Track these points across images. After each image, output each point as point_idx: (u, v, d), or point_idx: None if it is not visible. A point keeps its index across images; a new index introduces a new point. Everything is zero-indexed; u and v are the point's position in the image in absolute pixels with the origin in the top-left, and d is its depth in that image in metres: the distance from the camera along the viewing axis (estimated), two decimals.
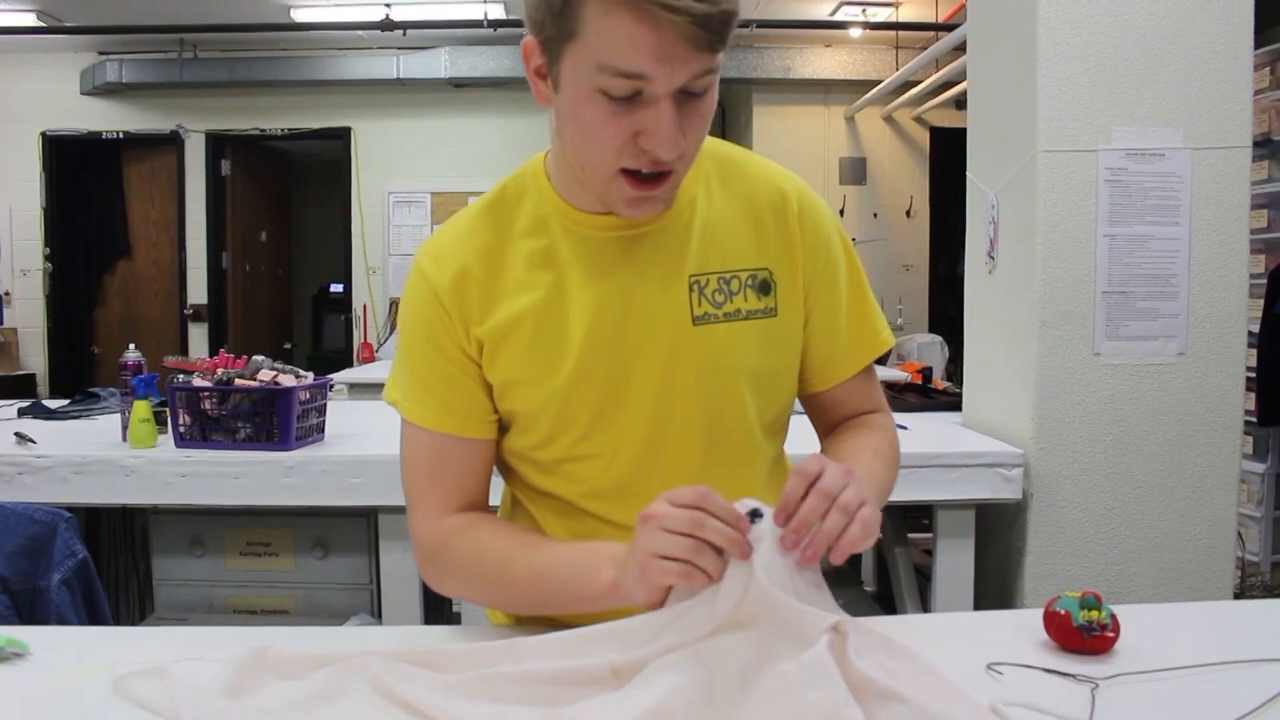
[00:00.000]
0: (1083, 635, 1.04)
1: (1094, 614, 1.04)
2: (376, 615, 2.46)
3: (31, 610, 1.57)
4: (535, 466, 1.16)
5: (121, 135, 7.29)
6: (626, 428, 1.10)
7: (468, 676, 0.94)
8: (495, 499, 1.22)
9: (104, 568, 2.74)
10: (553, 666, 0.92)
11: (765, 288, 1.13)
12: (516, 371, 1.10)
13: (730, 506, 0.91)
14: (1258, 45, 2.48)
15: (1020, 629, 1.11)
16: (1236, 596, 2.94)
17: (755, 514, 0.93)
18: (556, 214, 1.11)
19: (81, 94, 7.22)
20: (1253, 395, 3.74)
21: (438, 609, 2.63)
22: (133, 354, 2.47)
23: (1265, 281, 3.91)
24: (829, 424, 1.27)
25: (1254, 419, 3.84)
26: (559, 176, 1.11)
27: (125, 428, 2.41)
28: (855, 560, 3.43)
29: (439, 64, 6.90)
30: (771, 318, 1.13)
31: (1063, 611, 1.06)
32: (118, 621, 2.44)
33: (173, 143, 7.34)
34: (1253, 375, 3.69)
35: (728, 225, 1.13)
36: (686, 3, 0.87)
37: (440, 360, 1.12)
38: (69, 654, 1.07)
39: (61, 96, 7.19)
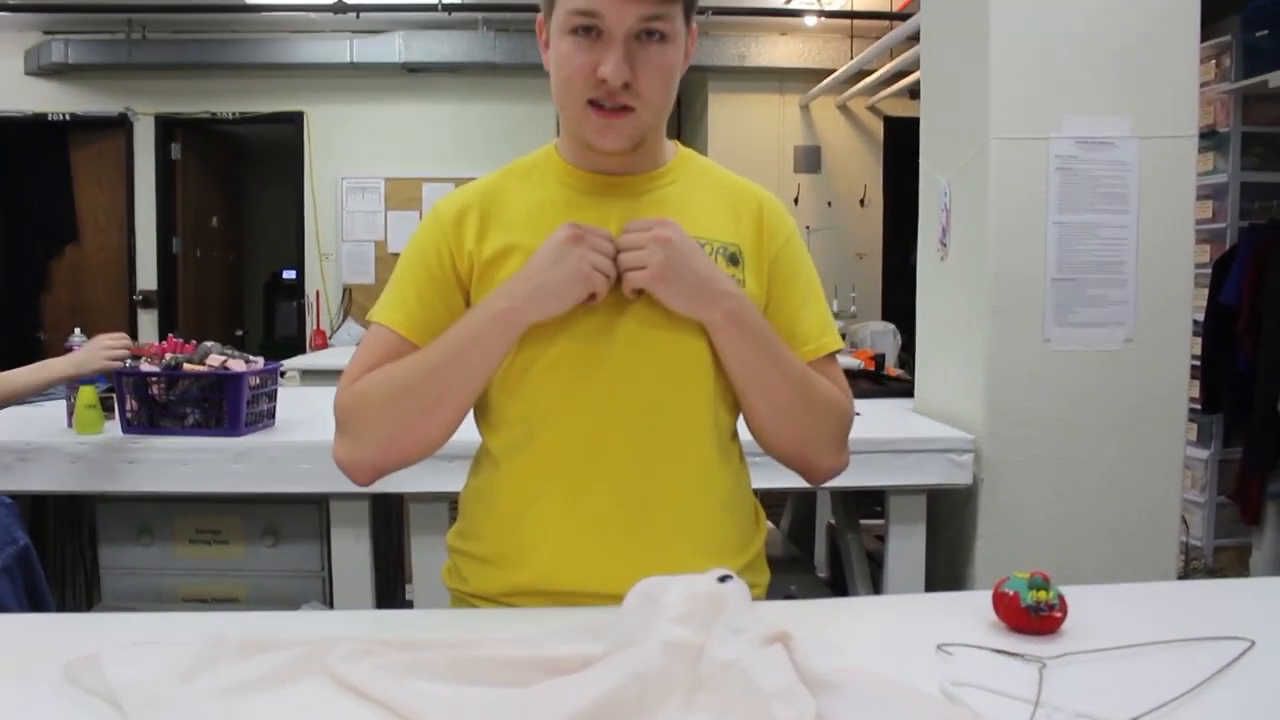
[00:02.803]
0: (1031, 615, 1.06)
1: (1042, 594, 1.06)
2: (328, 603, 2.44)
3: None
4: (500, 389, 1.20)
5: (68, 117, 7.10)
6: (591, 359, 1.18)
7: (436, 656, 0.95)
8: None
9: (50, 557, 2.69)
10: (525, 654, 0.94)
11: (734, 260, 1.23)
12: None
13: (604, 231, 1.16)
14: (1204, 38, 2.52)
15: (970, 610, 1.13)
16: (1180, 579, 3.00)
17: (725, 579, 0.94)
18: (556, 170, 1.25)
19: (26, 74, 7.01)
20: (1197, 383, 3.82)
21: (390, 598, 2.62)
22: (77, 338, 2.43)
23: (1209, 271, 3.99)
24: None
25: (1198, 406, 3.92)
26: (563, 143, 1.26)
27: (71, 414, 2.36)
28: (808, 546, 3.45)
29: (393, 48, 6.78)
30: (740, 288, 1.20)
31: (1011, 592, 1.07)
32: (64, 611, 2.39)
33: (121, 125, 7.17)
34: (1197, 364, 3.77)
35: (704, 204, 1.25)
36: None
37: (424, 275, 1.21)
38: (11, 642, 1.05)
39: (5, 76, 6.98)
